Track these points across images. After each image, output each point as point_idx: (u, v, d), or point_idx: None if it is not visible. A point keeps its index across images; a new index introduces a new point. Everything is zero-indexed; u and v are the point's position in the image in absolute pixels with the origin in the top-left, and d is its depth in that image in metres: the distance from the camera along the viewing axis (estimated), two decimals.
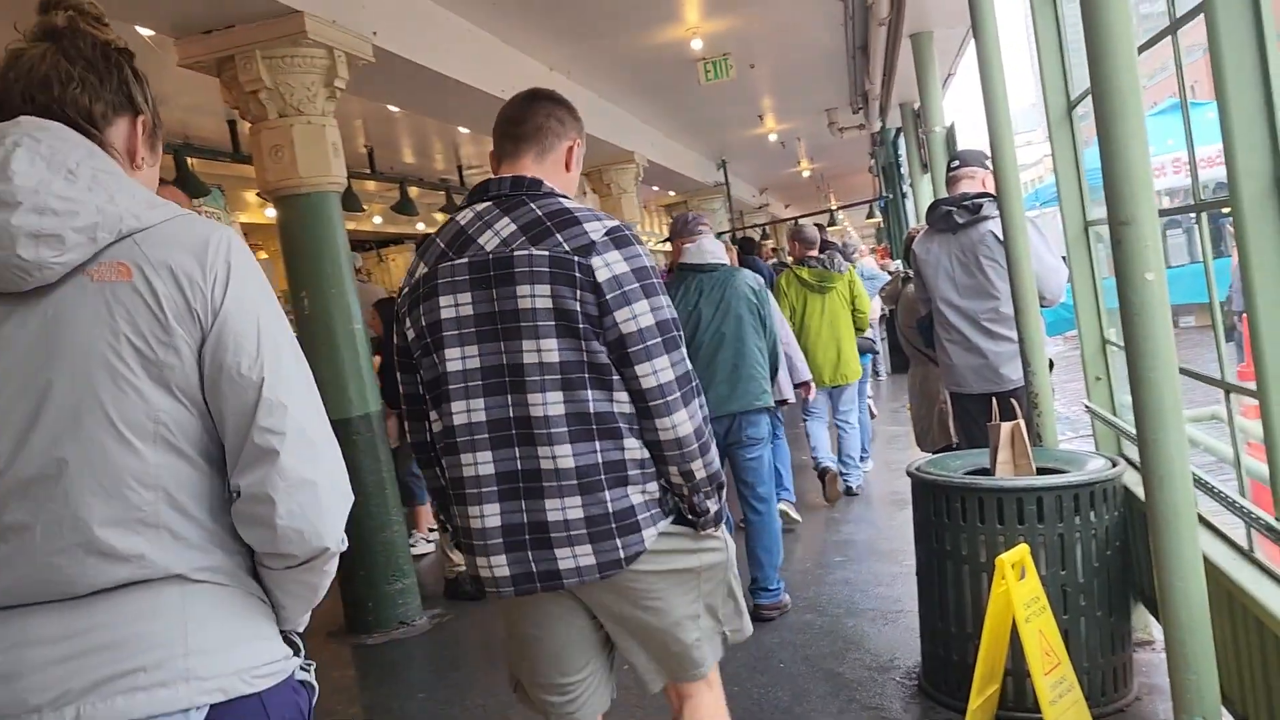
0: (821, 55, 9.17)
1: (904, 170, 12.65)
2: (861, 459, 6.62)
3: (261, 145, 4.68)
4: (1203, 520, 2.76)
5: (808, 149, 15.41)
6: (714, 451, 1.99)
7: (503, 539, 1.92)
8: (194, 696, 1.15)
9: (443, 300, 1.92)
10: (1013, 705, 3.16)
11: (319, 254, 4.74)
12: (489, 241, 1.92)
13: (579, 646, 2.07)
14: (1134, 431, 3.46)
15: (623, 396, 1.90)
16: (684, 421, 1.90)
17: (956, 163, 4.21)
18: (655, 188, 15.50)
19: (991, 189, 4.13)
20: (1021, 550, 2.99)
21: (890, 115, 11.35)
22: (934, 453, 5.08)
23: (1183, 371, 2.03)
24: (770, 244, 18.48)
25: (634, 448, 1.91)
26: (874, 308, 11.76)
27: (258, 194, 10.30)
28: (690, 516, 2.00)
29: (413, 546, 5.94)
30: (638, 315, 1.86)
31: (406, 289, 2.02)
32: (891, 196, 13.54)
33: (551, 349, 1.86)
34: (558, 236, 1.88)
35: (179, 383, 1.18)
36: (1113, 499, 3.21)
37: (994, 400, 3.59)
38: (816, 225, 8.02)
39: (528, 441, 1.88)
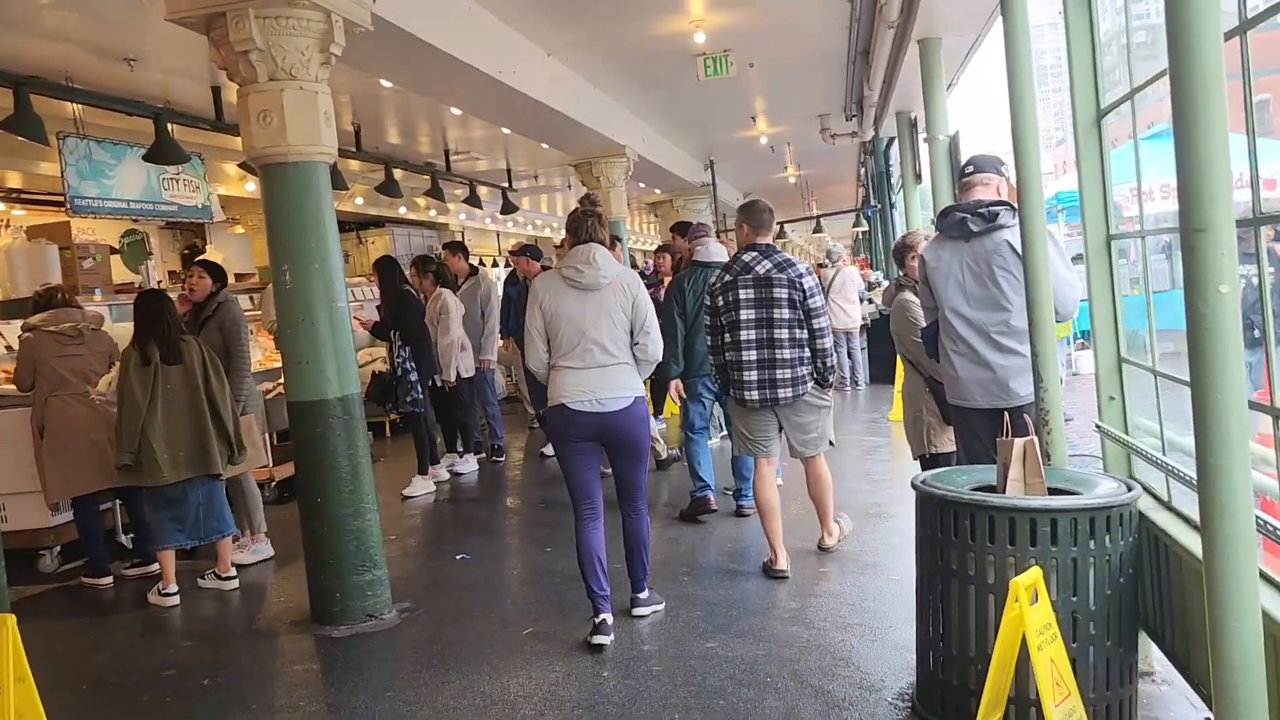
0: (822, 58, 9.05)
1: (894, 180, 12.58)
2: None
3: (249, 109, 4.46)
4: None
5: (795, 154, 15.31)
6: (833, 356, 4.94)
7: (757, 384, 4.77)
8: (633, 393, 4.14)
9: (741, 291, 4.79)
10: None
11: (304, 227, 4.53)
12: (761, 269, 4.77)
13: (774, 427, 4.92)
14: (1150, 452, 3.37)
15: (804, 332, 4.77)
16: (827, 342, 4.83)
17: (971, 168, 4.07)
18: (642, 184, 15.33)
19: (1005, 196, 4.01)
20: (1035, 574, 2.85)
21: (884, 124, 11.27)
22: (922, 462, 4.97)
23: (1252, 406, 1.88)
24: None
25: (806, 352, 4.78)
26: (855, 315, 11.74)
27: (239, 165, 10.05)
28: (821, 383, 4.86)
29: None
30: (816, 301, 4.78)
31: (719, 285, 4.90)
32: (880, 206, 13.46)
33: (784, 314, 4.72)
34: (788, 271, 4.75)
35: (629, 313, 4.13)
36: (1128, 524, 3.08)
37: (1006, 415, 3.46)
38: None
39: (771, 347, 4.74)
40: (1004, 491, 3.27)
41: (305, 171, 4.52)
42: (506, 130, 9.37)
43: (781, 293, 4.71)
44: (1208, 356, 1.82)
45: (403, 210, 15.13)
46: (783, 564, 4.86)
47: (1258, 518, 1.89)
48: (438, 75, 6.43)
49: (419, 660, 4.21)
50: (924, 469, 4.77)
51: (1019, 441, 3.27)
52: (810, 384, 4.80)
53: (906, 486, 6.52)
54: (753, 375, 4.77)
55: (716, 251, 6.05)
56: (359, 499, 4.67)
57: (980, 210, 3.87)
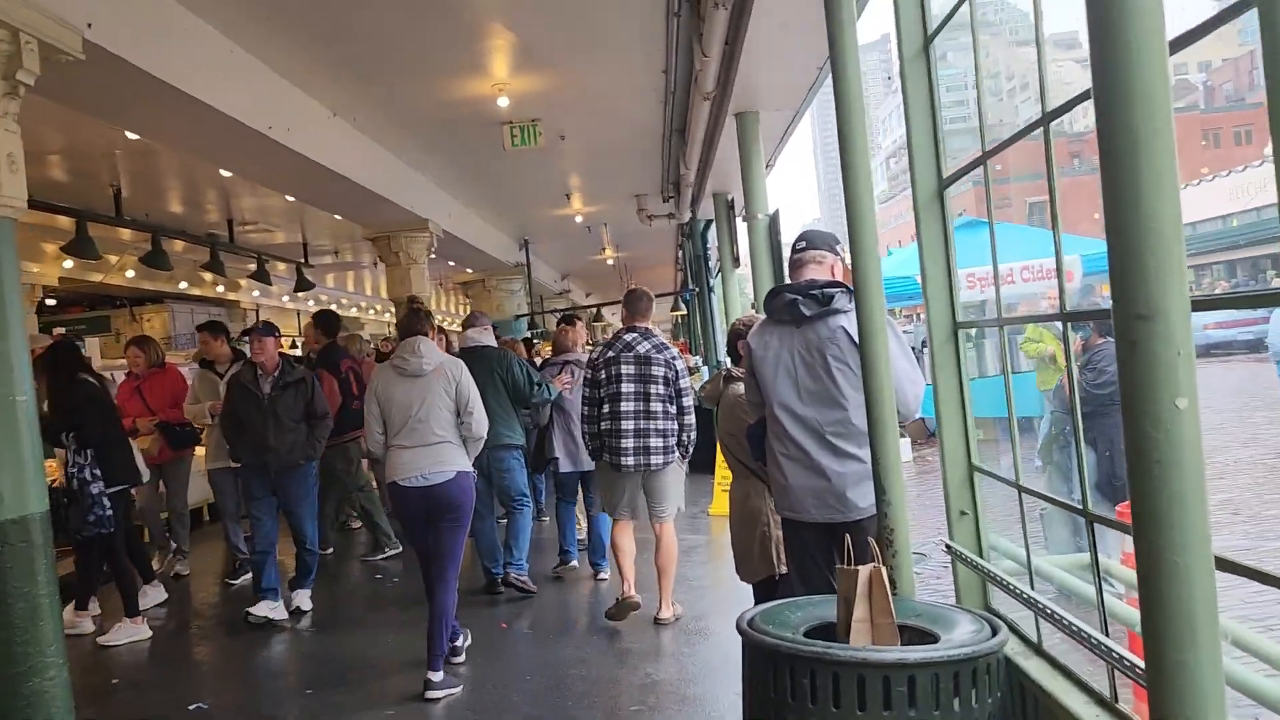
0: (636, 134, 8.65)
1: (711, 264, 12.33)
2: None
3: None
4: None
5: (613, 235, 14.94)
6: (694, 432, 5.58)
7: (633, 450, 5.38)
8: (456, 468, 4.74)
9: (623, 368, 5.45)
10: None
11: None
12: (641, 348, 5.48)
13: (637, 491, 5.52)
14: (1019, 587, 2.85)
15: (675, 408, 5.47)
16: (691, 421, 5.54)
17: (803, 244, 3.55)
18: (451, 263, 14.52)
19: (840, 277, 3.52)
20: None
21: (701, 206, 11.01)
22: (754, 584, 4.37)
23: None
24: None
25: (675, 425, 5.47)
26: None
27: None
28: (682, 454, 5.53)
29: None
30: (685, 382, 5.54)
31: (602, 360, 5.54)
32: (698, 289, 13.18)
33: (660, 389, 5.44)
34: (664, 353, 5.52)
35: (454, 396, 4.81)
36: (995, 676, 2.51)
37: (846, 536, 2.86)
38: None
39: (646, 418, 5.41)
40: (847, 635, 2.65)
41: None
42: (290, 198, 8.42)
43: (659, 370, 5.40)
44: (1161, 502, 1.24)
45: (184, 285, 13.70)
46: (636, 596, 5.52)
47: None
48: (189, 126, 5.50)
49: None
50: (757, 595, 4.17)
51: (863, 570, 2.67)
52: (675, 453, 5.45)
53: (727, 595, 5.99)
54: (629, 442, 5.37)
55: (474, 338, 6.39)
56: (36, 651, 3.57)
57: (813, 292, 3.34)
